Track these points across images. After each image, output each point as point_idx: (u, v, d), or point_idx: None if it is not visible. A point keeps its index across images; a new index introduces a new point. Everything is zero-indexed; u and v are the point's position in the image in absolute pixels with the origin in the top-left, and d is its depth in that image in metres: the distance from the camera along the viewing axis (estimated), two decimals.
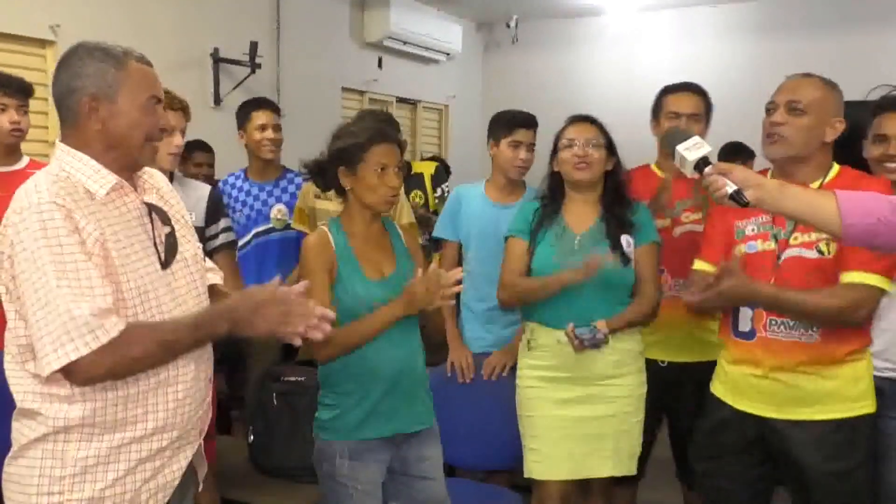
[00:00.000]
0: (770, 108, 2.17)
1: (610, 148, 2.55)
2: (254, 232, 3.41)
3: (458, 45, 7.46)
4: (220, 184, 3.52)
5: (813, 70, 2.23)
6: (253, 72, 5.32)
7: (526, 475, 2.56)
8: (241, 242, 3.35)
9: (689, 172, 1.84)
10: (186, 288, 1.71)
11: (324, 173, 2.30)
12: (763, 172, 2.21)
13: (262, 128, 3.46)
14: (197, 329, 1.59)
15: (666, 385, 2.68)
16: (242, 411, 3.14)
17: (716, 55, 6.89)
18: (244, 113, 3.52)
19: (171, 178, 2.82)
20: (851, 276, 2.03)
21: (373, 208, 2.26)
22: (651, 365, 2.67)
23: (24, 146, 2.93)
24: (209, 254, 2.76)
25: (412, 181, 4.33)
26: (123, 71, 1.62)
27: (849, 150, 2.64)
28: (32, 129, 3.07)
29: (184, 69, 4.93)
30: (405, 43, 6.83)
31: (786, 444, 2.14)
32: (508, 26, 7.43)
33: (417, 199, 4.28)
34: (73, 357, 1.46)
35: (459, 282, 2.19)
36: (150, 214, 1.69)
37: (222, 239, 2.90)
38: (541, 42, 7.81)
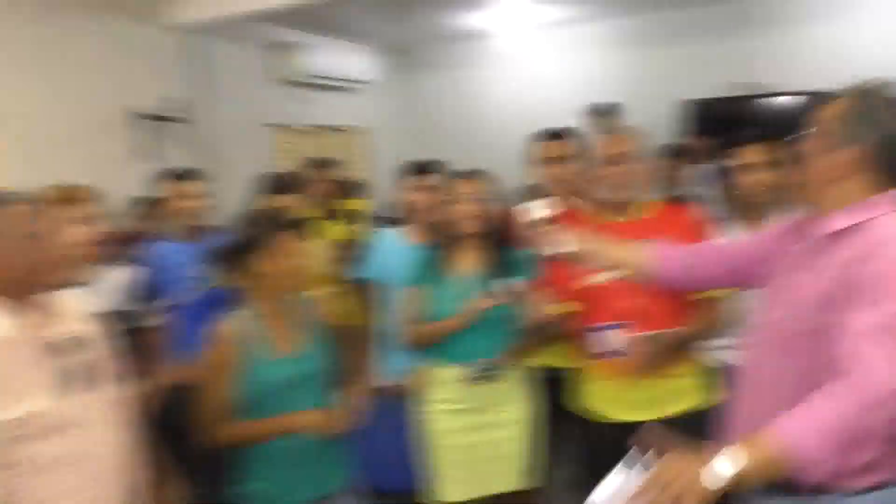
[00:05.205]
0: (615, 160, 2.22)
1: (496, 197, 2.49)
2: (182, 291, 3.17)
3: (371, 72, 7.32)
4: (150, 250, 3.18)
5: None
6: (182, 123, 5.06)
7: (432, 500, 2.48)
8: (172, 302, 3.02)
9: (529, 224, 1.91)
10: None
11: (231, 261, 2.08)
12: (570, 213, 2.22)
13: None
14: None
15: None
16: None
17: (593, 68, 6.70)
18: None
19: (90, 268, 2.58)
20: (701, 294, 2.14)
21: (284, 291, 2.08)
22: (555, 373, 2.61)
23: None
24: (139, 332, 2.58)
25: (346, 214, 4.20)
26: None
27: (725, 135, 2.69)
28: None
29: (111, 127, 4.45)
30: (323, 77, 6.62)
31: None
32: (410, 53, 7.28)
33: (350, 234, 4.10)
34: None
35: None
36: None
37: (151, 320, 2.73)
38: (440, 64, 7.56)
